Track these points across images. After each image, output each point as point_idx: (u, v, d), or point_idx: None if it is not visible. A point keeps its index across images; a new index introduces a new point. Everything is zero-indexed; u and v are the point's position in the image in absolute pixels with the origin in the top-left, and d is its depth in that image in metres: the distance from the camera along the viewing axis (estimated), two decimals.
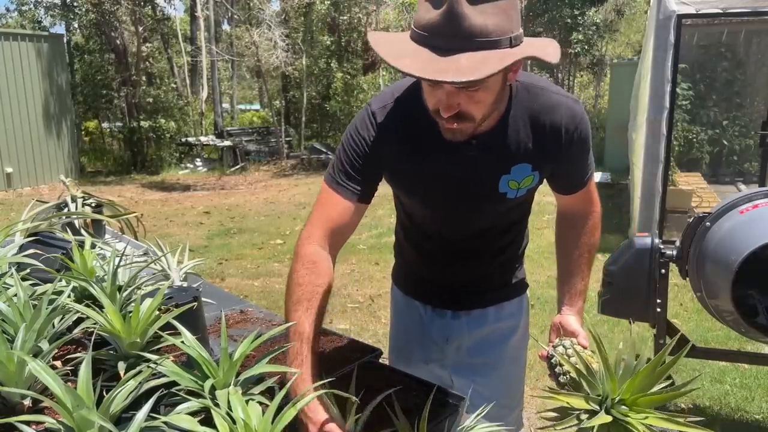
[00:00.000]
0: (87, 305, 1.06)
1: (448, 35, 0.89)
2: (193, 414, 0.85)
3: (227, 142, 13.06)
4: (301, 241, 1.15)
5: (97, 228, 1.99)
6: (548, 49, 0.98)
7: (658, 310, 2.22)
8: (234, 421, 0.80)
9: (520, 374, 1.53)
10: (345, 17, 13.38)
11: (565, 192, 1.31)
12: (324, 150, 12.89)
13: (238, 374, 0.94)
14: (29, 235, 1.48)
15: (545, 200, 1.77)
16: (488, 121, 1.12)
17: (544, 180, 1.30)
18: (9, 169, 9.91)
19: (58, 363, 1.05)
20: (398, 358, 1.51)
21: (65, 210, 1.89)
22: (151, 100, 12.65)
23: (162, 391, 0.89)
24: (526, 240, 1.48)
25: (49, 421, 0.81)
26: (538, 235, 5.52)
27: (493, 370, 1.45)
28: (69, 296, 1.15)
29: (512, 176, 1.18)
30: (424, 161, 1.18)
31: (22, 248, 1.37)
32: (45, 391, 0.90)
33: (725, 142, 8.09)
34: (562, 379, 1.05)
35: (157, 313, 1.04)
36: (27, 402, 0.93)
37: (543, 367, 1.15)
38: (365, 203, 1.18)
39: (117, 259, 1.21)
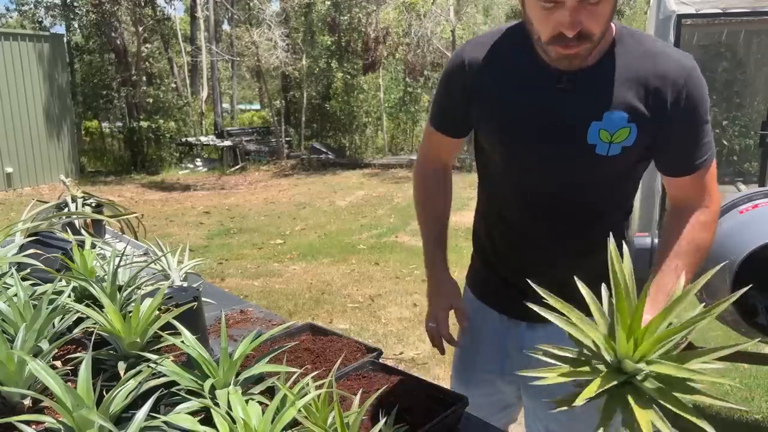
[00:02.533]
0: (87, 305, 1.06)
1: None
2: (193, 414, 0.85)
3: (227, 142, 13.06)
4: (417, 168, 1.39)
5: (97, 228, 2.00)
6: None
7: None
8: (234, 421, 0.80)
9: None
10: (345, 17, 13.37)
11: (672, 173, 1.14)
12: (324, 150, 12.88)
13: (238, 374, 0.94)
14: (29, 235, 1.48)
15: None
16: (593, 55, 1.05)
17: (650, 160, 1.16)
18: (9, 169, 9.91)
19: (58, 363, 1.05)
20: (463, 368, 1.38)
21: (65, 210, 1.89)
22: (151, 100, 12.65)
23: (162, 391, 0.89)
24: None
25: (49, 420, 0.81)
26: None
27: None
28: (69, 296, 1.15)
29: (604, 124, 1.06)
30: (511, 93, 1.14)
31: (22, 248, 1.37)
32: (45, 390, 0.90)
33: (725, 142, 8.07)
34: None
35: (157, 313, 1.04)
36: (27, 402, 0.93)
37: None
38: (461, 137, 1.30)
39: (117, 259, 1.21)
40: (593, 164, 1.10)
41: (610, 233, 0.87)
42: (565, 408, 0.73)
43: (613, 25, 1.07)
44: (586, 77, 1.07)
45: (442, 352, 1.27)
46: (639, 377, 0.72)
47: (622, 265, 0.78)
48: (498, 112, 1.16)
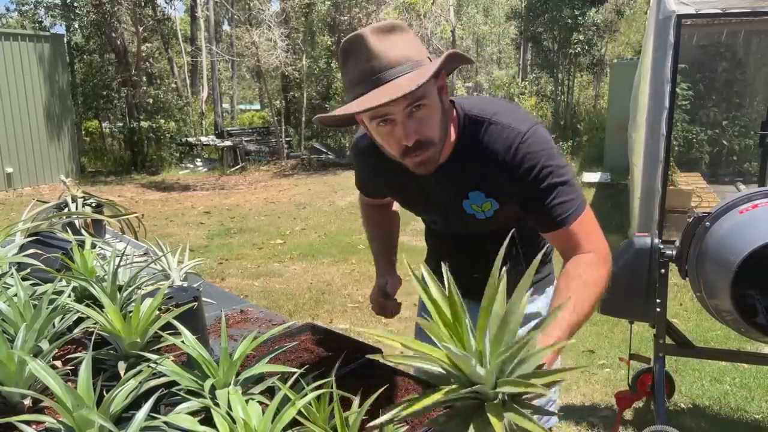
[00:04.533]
0: (87, 305, 1.06)
1: (384, 68, 1.03)
2: (193, 414, 0.85)
3: (227, 142, 13.06)
4: (360, 204, 1.69)
5: (97, 228, 2.00)
6: (460, 55, 1.14)
7: (658, 310, 2.22)
8: (234, 421, 0.80)
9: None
10: (345, 18, 13.38)
11: (541, 230, 1.24)
12: (324, 150, 12.88)
13: (238, 374, 0.94)
14: (30, 235, 1.48)
15: None
16: (443, 154, 1.19)
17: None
18: (9, 169, 9.91)
19: (58, 363, 1.06)
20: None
21: (65, 210, 1.89)
22: (151, 100, 12.65)
23: (162, 391, 0.89)
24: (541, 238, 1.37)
25: (49, 420, 0.81)
26: None
27: None
28: (69, 296, 1.16)
29: (472, 201, 1.27)
30: (396, 186, 1.38)
31: (23, 248, 1.37)
32: (45, 390, 0.90)
33: (725, 142, 8.08)
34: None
35: (157, 312, 1.04)
36: (27, 401, 0.93)
37: None
38: (378, 198, 1.59)
39: (117, 259, 1.21)
40: (478, 223, 1.32)
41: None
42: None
43: (456, 117, 1.21)
44: (446, 169, 1.22)
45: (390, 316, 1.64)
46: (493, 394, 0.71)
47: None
48: (396, 193, 1.46)
